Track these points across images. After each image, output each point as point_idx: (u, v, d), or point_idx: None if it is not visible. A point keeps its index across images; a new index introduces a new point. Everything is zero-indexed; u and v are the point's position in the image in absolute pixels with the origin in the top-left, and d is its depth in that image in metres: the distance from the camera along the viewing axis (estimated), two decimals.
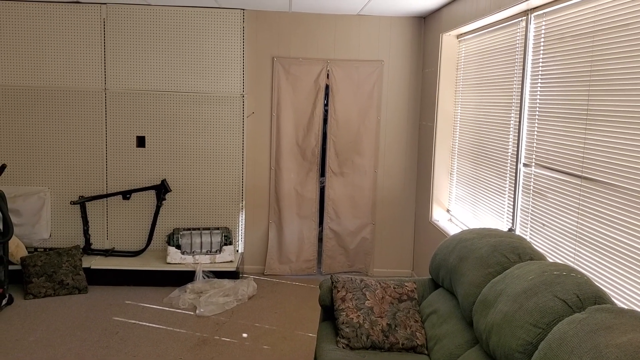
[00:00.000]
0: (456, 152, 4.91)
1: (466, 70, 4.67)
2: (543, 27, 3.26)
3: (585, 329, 1.87)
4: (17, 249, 5.05)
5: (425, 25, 5.53)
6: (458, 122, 4.86)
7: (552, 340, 1.95)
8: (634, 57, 2.40)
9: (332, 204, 5.76)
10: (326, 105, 5.69)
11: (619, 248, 2.50)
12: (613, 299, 2.41)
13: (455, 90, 4.95)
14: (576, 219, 2.85)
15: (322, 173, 5.86)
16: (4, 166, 4.76)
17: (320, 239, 5.90)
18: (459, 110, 4.84)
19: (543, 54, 3.25)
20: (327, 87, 5.62)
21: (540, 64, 3.28)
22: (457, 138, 4.88)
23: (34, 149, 5.43)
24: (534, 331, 2.11)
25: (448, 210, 5.13)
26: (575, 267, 2.84)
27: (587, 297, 2.13)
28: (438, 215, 5.16)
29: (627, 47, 2.45)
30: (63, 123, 5.42)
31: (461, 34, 4.79)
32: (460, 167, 4.80)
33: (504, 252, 2.76)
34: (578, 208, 2.83)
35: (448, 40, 4.91)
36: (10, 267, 5.02)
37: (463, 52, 4.76)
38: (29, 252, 5.22)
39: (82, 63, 5.36)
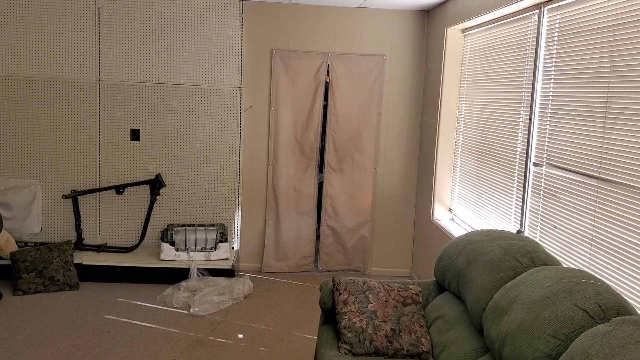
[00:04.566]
0: (459, 149, 4.78)
1: (471, 66, 4.54)
2: (557, 21, 3.13)
3: (612, 342, 1.74)
4: (6, 243, 4.90)
5: (428, 19, 5.39)
6: (462, 119, 4.73)
7: (575, 353, 1.82)
8: None
9: (330, 201, 5.63)
10: (326, 100, 5.55)
11: None
12: (635, 309, 2.29)
13: (460, 86, 4.81)
14: (592, 222, 2.73)
15: (321, 169, 5.73)
16: None
17: (317, 236, 5.77)
18: (463, 107, 4.71)
19: (557, 48, 3.12)
20: (327, 81, 5.48)
21: (554, 60, 3.15)
22: (461, 135, 4.75)
23: (25, 141, 5.27)
24: (553, 342, 1.99)
25: (450, 210, 5.01)
26: (591, 272, 2.71)
27: (609, 307, 2.00)
28: (439, 215, 5.04)
29: None
30: (55, 115, 5.25)
31: (467, 28, 4.66)
32: (463, 165, 4.67)
33: (516, 256, 2.63)
34: (594, 210, 2.71)
35: (453, 34, 4.77)
36: None
37: (469, 46, 4.63)
38: (19, 247, 5.06)
39: (75, 53, 5.19)
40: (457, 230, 4.58)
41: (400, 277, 5.73)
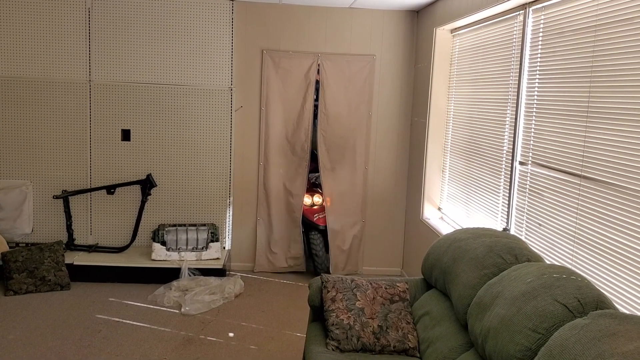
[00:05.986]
0: (448, 149, 4.83)
1: (460, 66, 4.58)
2: (542, 21, 3.18)
3: (588, 335, 1.78)
4: None
5: (418, 19, 5.43)
6: (451, 118, 4.78)
7: (553, 346, 1.86)
8: (638, 53, 2.32)
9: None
10: (316, 100, 5.58)
11: (620, 250, 2.43)
12: (614, 303, 2.33)
13: (449, 86, 4.86)
14: (575, 219, 2.77)
15: (313, 169, 5.75)
16: None
17: None
18: (452, 107, 4.75)
19: (541, 49, 3.17)
20: (317, 81, 5.51)
21: (539, 60, 3.19)
22: (450, 135, 4.79)
23: (16, 142, 5.27)
24: (533, 336, 2.03)
25: (439, 209, 5.05)
26: (573, 269, 2.76)
27: (588, 302, 2.04)
28: (429, 214, 5.08)
29: (631, 42, 2.37)
30: (46, 115, 5.26)
31: (455, 29, 4.70)
32: (452, 164, 4.71)
33: (500, 252, 2.67)
34: (577, 208, 2.75)
35: (442, 34, 4.82)
36: None
37: (457, 46, 4.67)
38: (10, 247, 5.07)
39: (66, 54, 5.21)
40: (446, 229, 4.62)
41: (391, 276, 5.77)
